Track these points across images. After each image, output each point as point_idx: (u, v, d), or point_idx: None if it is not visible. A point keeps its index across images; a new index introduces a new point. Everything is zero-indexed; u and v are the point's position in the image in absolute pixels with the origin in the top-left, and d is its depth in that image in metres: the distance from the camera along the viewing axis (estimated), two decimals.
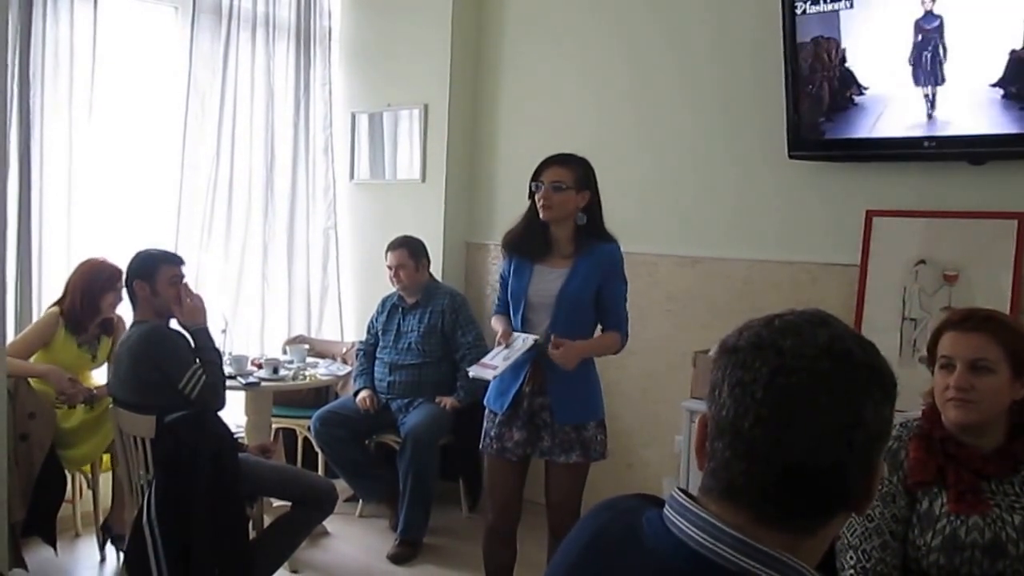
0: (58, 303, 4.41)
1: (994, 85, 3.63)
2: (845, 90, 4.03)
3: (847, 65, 4.01)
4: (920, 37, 3.80)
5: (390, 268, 5.12)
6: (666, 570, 1.15)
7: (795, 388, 1.10)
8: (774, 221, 4.51)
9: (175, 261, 3.97)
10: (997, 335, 2.21)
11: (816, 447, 1.10)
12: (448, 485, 5.27)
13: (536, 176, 3.46)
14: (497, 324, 3.59)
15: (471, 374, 3.58)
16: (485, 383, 3.65)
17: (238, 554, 3.62)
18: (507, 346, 3.43)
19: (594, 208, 3.49)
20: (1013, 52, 3.57)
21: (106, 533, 4.46)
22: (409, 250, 5.11)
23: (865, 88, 3.98)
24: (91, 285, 4.36)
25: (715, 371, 1.18)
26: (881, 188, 4.16)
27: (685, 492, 1.19)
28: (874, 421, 1.12)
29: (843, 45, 4.00)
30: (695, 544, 1.12)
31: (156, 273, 3.86)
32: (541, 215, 3.43)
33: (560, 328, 3.41)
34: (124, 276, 3.94)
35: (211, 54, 5.47)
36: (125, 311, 4.24)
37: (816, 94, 4.11)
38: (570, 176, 3.42)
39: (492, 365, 3.41)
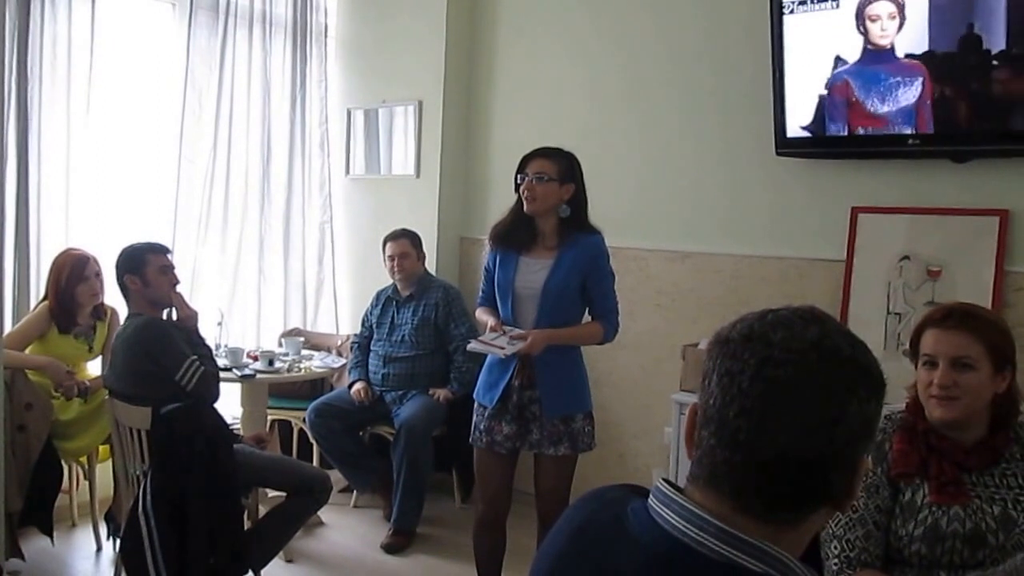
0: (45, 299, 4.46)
1: (976, 84, 3.69)
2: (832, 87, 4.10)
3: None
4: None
5: (391, 258, 5.17)
6: (651, 560, 1.16)
7: (781, 380, 1.11)
8: (762, 217, 4.56)
9: (161, 250, 4.00)
10: (977, 332, 2.24)
11: (798, 440, 1.10)
12: (441, 476, 5.33)
13: (521, 168, 3.51)
14: (485, 315, 3.64)
15: (470, 347, 3.59)
16: (478, 373, 3.71)
17: (233, 544, 3.65)
18: (504, 332, 3.48)
19: (578, 201, 3.53)
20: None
21: (110, 523, 4.46)
22: (410, 240, 5.21)
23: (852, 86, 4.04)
24: (60, 283, 4.38)
25: (707, 361, 1.19)
26: (866, 185, 4.21)
27: (669, 482, 1.20)
28: (858, 418, 1.12)
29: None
30: (680, 534, 1.14)
31: (145, 265, 3.90)
32: (525, 207, 3.48)
33: (547, 319, 3.46)
34: (115, 270, 3.97)
35: (208, 50, 5.50)
36: (120, 306, 4.28)
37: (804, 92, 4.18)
38: (553, 168, 3.46)
39: (499, 345, 3.43)
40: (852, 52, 4.00)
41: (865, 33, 3.94)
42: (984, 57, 3.65)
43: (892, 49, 3.88)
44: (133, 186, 5.42)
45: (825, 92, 4.10)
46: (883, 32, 3.88)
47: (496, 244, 3.62)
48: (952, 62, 3.73)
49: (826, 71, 4.08)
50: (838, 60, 4.04)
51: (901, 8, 3.83)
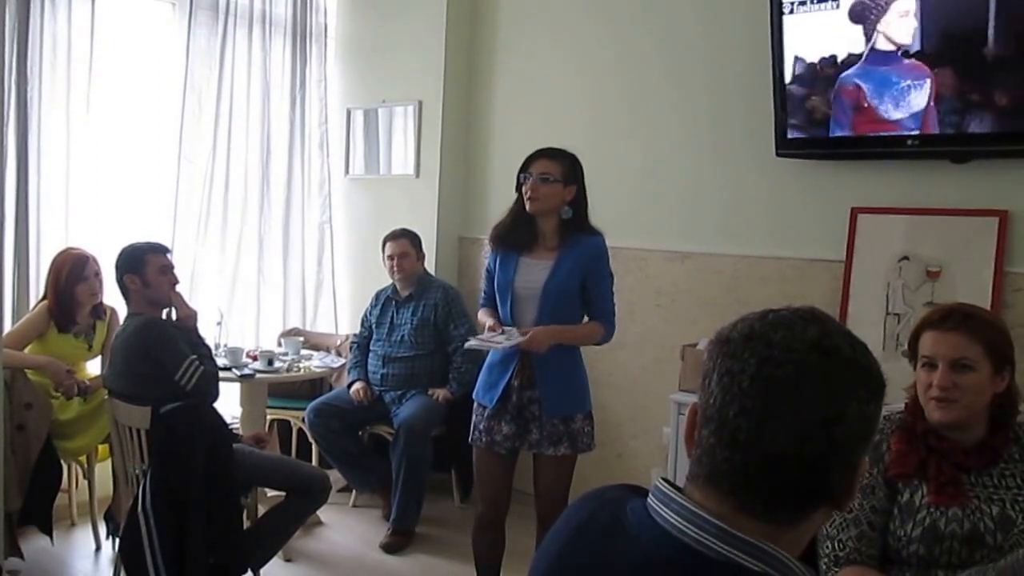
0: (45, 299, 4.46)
1: (975, 82, 3.69)
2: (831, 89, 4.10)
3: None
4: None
5: (391, 258, 5.18)
6: (650, 559, 1.16)
7: (781, 380, 1.11)
8: (762, 217, 4.56)
9: (161, 250, 4.01)
10: (976, 333, 2.24)
11: (798, 439, 1.10)
12: (440, 476, 5.33)
13: (524, 168, 3.50)
14: (485, 316, 3.63)
15: (468, 345, 3.56)
16: (477, 373, 3.71)
17: (233, 543, 3.66)
18: (503, 332, 3.48)
19: (580, 202, 3.53)
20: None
21: (109, 522, 4.45)
22: (410, 240, 5.22)
23: (851, 86, 4.04)
24: (60, 282, 4.37)
25: (707, 361, 1.18)
26: (866, 186, 4.21)
27: (669, 482, 1.20)
28: (857, 418, 1.12)
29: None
30: (679, 533, 1.14)
31: (144, 265, 3.90)
32: (528, 207, 3.47)
33: (547, 320, 3.45)
34: (115, 270, 3.97)
35: (208, 50, 5.51)
36: (119, 305, 4.28)
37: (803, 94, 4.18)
38: (558, 169, 3.46)
39: (496, 341, 3.43)
40: (854, 52, 4.00)
41: (878, 33, 3.91)
42: (986, 58, 3.65)
43: (898, 50, 3.87)
44: (133, 186, 5.43)
45: (818, 92, 4.11)
46: (902, 30, 3.86)
47: (496, 245, 3.62)
48: (955, 62, 3.73)
49: (827, 71, 4.08)
50: (839, 61, 4.05)
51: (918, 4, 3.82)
